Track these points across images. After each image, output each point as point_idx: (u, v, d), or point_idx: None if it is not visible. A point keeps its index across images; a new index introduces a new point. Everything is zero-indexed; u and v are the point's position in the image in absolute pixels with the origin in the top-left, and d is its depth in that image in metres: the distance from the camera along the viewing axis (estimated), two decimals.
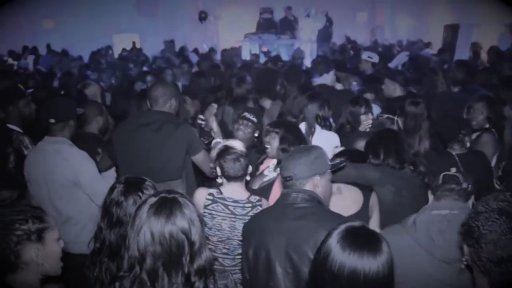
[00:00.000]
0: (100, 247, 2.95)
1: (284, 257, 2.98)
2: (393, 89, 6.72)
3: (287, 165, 3.15)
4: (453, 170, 3.30)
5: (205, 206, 3.90)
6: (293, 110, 5.89)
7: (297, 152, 3.23)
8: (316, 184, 3.11)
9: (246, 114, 5.06)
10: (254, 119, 5.02)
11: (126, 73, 10.53)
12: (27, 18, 21.34)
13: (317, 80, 7.07)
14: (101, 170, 4.49)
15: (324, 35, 17.92)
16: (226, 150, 3.98)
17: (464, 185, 3.21)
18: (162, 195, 2.39)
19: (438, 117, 5.48)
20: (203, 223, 2.42)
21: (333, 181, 3.36)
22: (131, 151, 4.62)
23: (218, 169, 3.99)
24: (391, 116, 5.35)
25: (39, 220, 2.54)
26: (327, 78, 7.00)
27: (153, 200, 2.37)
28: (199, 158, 4.70)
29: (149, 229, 2.28)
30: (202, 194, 3.97)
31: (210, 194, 3.94)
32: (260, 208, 3.81)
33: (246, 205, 3.88)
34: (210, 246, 3.71)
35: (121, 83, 9.11)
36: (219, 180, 4.05)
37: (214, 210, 3.88)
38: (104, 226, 2.94)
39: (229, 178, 3.95)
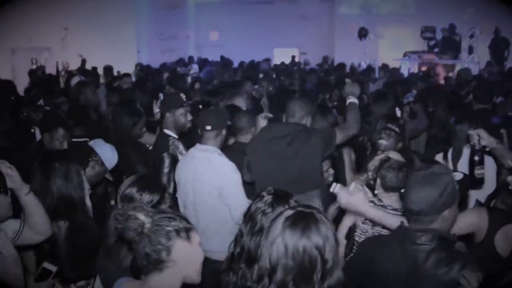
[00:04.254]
0: (240, 252, 2.98)
1: None
2: None
3: (414, 198, 2.78)
4: None
5: None
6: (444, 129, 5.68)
7: (425, 181, 2.80)
8: (446, 219, 2.81)
9: (389, 125, 4.99)
10: (397, 129, 4.94)
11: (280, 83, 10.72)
12: (194, 31, 22.65)
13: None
14: None
15: (498, 57, 17.05)
16: (388, 160, 3.94)
17: None
18: (299, 208, 2.37)
19: None
20: (338, 243, 2.36)
21: None
22: (266, 164, 4.62)
23: (378, 180, 3.95)
24: None
25: (185, 220, 2.59)
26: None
27: (289, 212, 2.35)
28: (340, 138, 4.72)
29: (283, 242, 2.26)
30: None
31: (371, 201, 3.80)
32: None
33: None
34: None
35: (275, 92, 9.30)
36: (376, 191, 3.97)
37: None
38: (246, 232, 2.96)
39: (389, 189, 3.90)
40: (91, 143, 4.73)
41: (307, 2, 20.64)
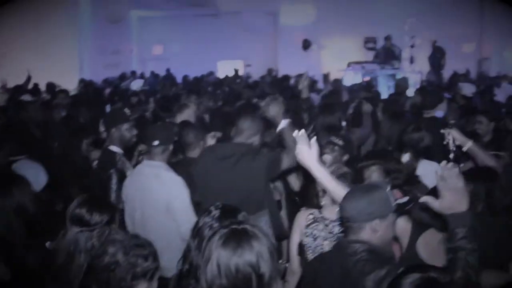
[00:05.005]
0: (188, 268, 2.91)
1: None
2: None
3: (345, 205, 2.90)
4: None
5: (307, 226, 3.98)
6: (391, 139, 5.76)
7: (357, 191, 2.97)
8: (375, 229, 2.85)
9: (333, 139, 5.02)
10: (340, 143, 4.95)
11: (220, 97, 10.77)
12: (137, 45, 22.46)
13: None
14: None
15: (434, 66, 17.50)
16: (341, 168, 4.08)
17: None
18: (232, 226, 2.35)
19: None
20: (274, 255, 2.34)
21: None
22: (212, 185, 4.45)
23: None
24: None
25: (155, 259, 2.58)
26: (439, 111, 6.47)
27: (222, 231, 2.33)
28: (285, 165, 4.40)
29: (216, 261, 2.24)
30: (304, 214, 4.08)
31: (312, 213, 4.04)
32: None
33: None
34: None
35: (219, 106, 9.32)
36: (322, 202, 4.04)
37: (315, 229, 3.94)
38: (194, 247, 2.91)
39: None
40: (14, 166, 4.58)
41: (252, 15, 20.68)
